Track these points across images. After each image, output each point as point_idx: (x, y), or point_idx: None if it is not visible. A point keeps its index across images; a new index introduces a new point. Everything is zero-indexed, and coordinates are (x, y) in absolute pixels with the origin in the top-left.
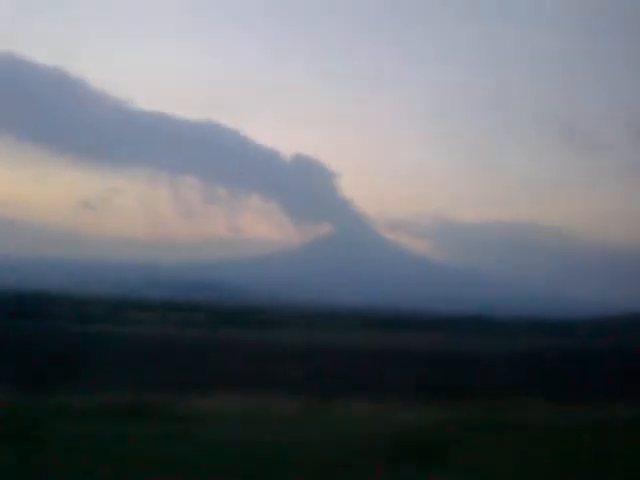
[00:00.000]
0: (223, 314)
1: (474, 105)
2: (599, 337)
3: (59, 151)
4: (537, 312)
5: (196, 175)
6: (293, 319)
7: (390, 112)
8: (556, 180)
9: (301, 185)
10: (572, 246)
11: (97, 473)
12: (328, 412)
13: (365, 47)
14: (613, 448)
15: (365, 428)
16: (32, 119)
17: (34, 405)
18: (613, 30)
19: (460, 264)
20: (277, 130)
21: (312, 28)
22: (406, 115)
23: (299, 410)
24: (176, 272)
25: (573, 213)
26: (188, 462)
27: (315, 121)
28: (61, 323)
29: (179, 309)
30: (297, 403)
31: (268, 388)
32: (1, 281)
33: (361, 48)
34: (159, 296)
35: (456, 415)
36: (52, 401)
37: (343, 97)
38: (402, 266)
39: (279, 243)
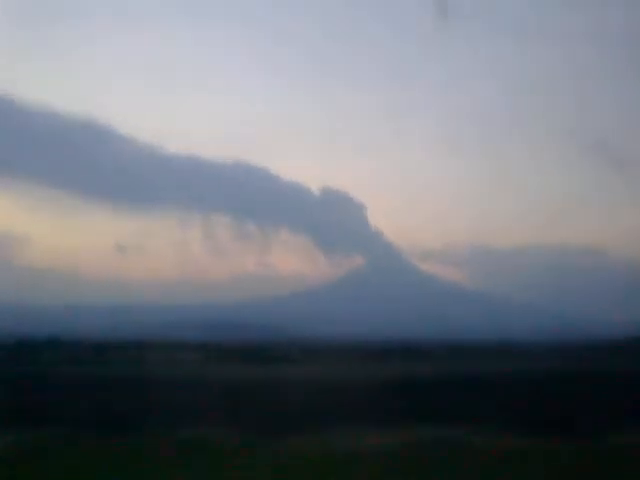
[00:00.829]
0: (251, 352)
1: (499, 127)
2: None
3: (91, 198)
4: (577, 335)
5: (227, 214)
6: (324, 354)
7: (414, 139)
8: (588, 198)
9: (331, 219)
10: (606, 265)
11: None
12: None
13: (383, 75)
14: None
15: None
16: (64, 167)
17: None
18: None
19: (495, 291)
20: (304, 165)
21: (329, 61)
22: (431, 141)
23: None
24: (211, 312)
25: (607, 231)
26: None
27: (340, 153)
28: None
29: (209, 349)
30: None
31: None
32: (37, 329)
33: (380, 76)
34: (194, 337)
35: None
36: None
37: (366, 127)
38: (436, 296)
39: (312, 278)
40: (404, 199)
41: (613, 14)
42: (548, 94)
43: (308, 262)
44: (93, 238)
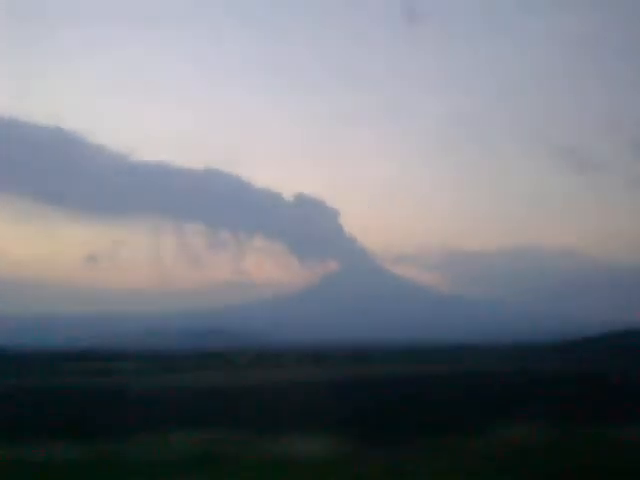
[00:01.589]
0: (228, 359)
1: (472, 132)
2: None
3: (63, 208)
4: (547, 335)
5: (200, 222)
6: (298, 359)
7: (387, 145)
8: (559, 201)
9: (305, 224)
10: (579, 267)
11: None
12: None
13: (361, 82)
14: None
15: None
16: (35, 178)
17: None
18: (604, 47)
19: (469, 293)
20: (277, 171)
21: (299, 68)
22: (403, 147)
23: None
24: (186, 320)
25: (578, 233)
26: None
27: (314, 159)
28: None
29: (183, 357)
30: None
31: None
32: (11, 340)
33: (355, 85)
34: (170, 346)
35: None
36: None
37: (340, 133)
38: (411, 299)
39: (287, 284)
40: (377, 204)
41: (581, 20)
42: (520, 99)
43: (283, 268)
44: (65, 248)
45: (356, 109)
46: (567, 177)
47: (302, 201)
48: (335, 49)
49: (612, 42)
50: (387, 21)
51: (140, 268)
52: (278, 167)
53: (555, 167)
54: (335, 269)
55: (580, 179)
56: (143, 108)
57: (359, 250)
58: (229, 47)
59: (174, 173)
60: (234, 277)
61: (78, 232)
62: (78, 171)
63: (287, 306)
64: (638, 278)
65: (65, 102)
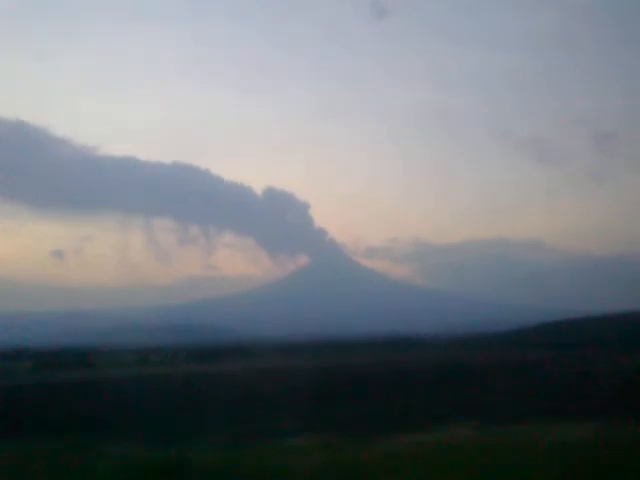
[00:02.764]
0: (198, 354)
1: (440, 127)
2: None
3: (28, 203)
4: (512, 325)
5: (169, 217)
6: (267, 353)
7: (356, 138)
8: (525, 193)
9: (275, 219)
10: (545, 258)
11: None
12: None
13: (328, 77)
14: None
15: None
16: None
17: None
18: (566, 43)
19: (439, 286)
20: (247, 166)
21: (274, 62)
22: (373, 140)
23: None
24: (156, 316)
25: (545, 224)
26: None
27: (284, 153)
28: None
29: (154, 353)
30: None
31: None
32: None
33: (323, 78)
34: (141, 342)
35: None
36: None
37: (310, 127)
38: (382, 292)
39: (258, 278)
40: (347, 197)
41: (548, 16)
42: (485, 93)
43: (253, 262)
44: (30, 244)
45: (326, 103)
46: (535, 170)
47: (272, 195)
48: (305, 43)
49: (578, 37)
50: (357, 15)
51: (108, 264)
52: (247, 161)
53: (523, 160)
54: (306, 262)
55: (548, 172)
56: (110, 101)
57: (329, 243)
58: (198, 41)
59: (142, 167)
60: (204, 272)
61: (43, 228)
62: (43, 165)
63: (257, 300)
64: (606, 269)
65: (28, 95)
